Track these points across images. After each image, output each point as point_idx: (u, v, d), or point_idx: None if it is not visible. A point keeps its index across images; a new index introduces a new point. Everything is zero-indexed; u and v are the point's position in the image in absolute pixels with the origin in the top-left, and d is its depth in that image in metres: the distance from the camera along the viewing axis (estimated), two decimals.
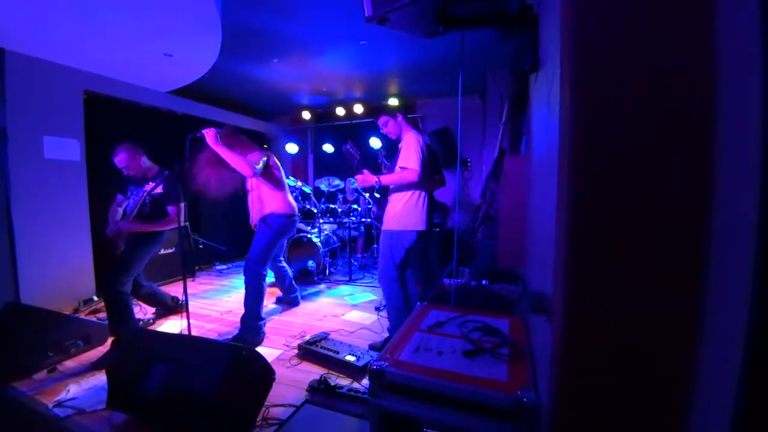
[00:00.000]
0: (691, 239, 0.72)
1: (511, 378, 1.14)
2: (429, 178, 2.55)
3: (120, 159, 2.65)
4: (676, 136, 0.73)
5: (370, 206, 4.72)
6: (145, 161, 2.77)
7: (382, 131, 2.61)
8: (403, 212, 2.44)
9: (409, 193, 2.45)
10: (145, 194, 2.60)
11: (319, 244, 4.33)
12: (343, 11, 2.75)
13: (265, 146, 2.83)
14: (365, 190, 4.53)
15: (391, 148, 3.10)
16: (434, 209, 2.75)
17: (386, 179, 2.48)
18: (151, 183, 2.64)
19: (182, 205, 2.60)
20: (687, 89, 0.72)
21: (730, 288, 0.64)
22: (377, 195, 2.59)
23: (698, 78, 0.71)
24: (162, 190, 2.66)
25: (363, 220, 4.86)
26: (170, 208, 2.69)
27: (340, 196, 5.11)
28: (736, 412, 0.59)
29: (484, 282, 2.37)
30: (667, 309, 0.75)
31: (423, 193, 2.48)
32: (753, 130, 0.58)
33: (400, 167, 2.41)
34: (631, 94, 0.77)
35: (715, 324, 0.68)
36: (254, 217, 2.85)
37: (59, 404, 1.90)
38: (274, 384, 1.79)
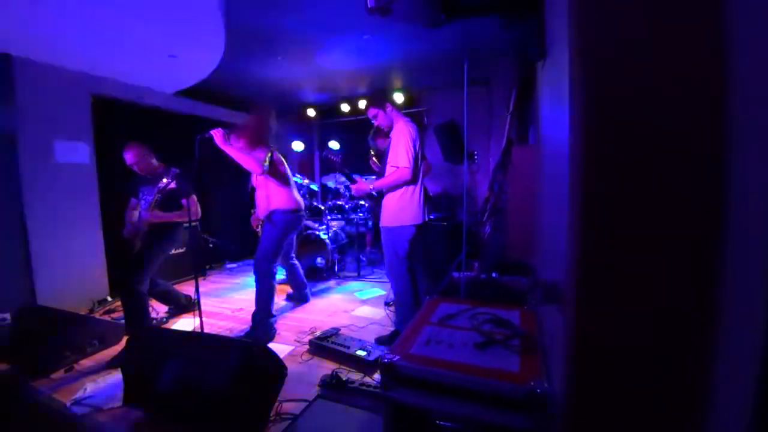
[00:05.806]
0: (707, 232, 0.70)
1: (523, 369, 1.13)
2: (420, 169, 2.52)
3: (129, 156, 2.72)
4: (691, 125, 0.71)
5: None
6: (154, 161, 2.82)
7: (373, 123, 2.58)
8: (399, 207, 2.42)
9: (403, 188, 2.43)
10: (156, 193, 2.64)
11: (328, 240, 4.33)
12: (346, 5, 2.73)
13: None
14: (361, 197, 4.54)
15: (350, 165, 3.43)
16: (428, 201, 2.72)
17: (380, 184, 2.46)
18: (163, 181, 2.67)
19: (194, 197, 2.63)
20: (702, 73, 0.70)
21: (748, 283, 0.62)
22: (375, 194, 2.56)
23: (715, 63, 0.68)
24: (175, 186, 2.70)
25: (371, 215, 4.86)
26: (184, 201, 2.73)
27: (347, 193, 5.10)
28: (755, 413, 0.57)
29: (493, 274, 2.35)
30: (682, 303, 0.73)
31: (417, 186, 2.45)
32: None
33: (392, 166, 2.39)
34: (643, 80, 0.74)
35: (732, 320, 0.66)
36: (261, 213, 2.87)
37: (77, 402, 1.94)
38: (286, 379, 1.80)
